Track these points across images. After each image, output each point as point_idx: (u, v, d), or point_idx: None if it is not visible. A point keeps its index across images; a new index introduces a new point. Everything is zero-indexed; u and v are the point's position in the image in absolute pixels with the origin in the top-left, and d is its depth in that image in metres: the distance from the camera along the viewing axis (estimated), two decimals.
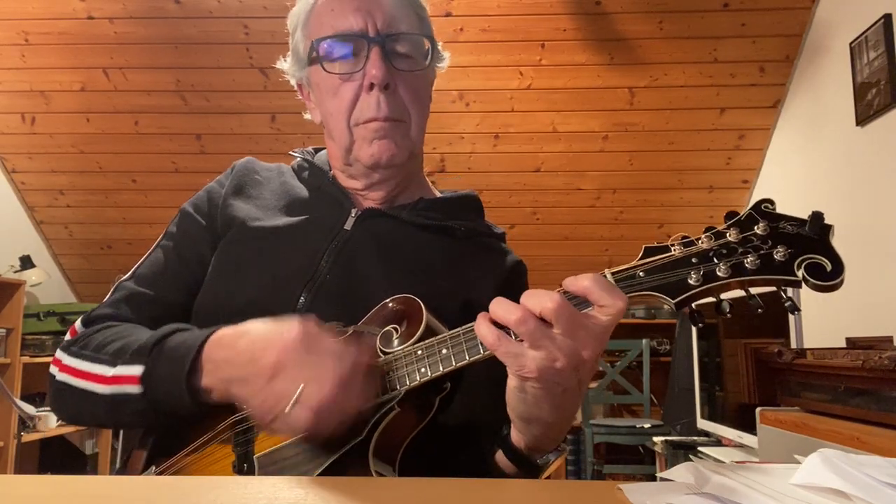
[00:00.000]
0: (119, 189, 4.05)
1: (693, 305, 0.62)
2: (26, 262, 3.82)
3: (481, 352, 0.63)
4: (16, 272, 3.76)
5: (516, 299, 0.60)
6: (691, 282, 0.60)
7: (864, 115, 2.78)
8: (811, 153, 3.25)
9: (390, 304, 0.75)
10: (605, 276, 0.61)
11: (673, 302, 0.60)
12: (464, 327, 0.65)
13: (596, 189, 3.93)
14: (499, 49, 3.41)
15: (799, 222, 0.60)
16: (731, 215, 0.62)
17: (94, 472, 3.94)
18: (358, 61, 0.86)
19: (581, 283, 0.59)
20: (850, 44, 2.88)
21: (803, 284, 0.58)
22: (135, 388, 0.74)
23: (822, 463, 0.51)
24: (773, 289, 0.60)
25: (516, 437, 0.70)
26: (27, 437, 3.36)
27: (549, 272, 4.14)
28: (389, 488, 0.61)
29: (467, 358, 0.64)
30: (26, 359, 3.52)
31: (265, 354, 0.66)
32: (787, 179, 3.50)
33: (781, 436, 1.61)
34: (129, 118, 3.73)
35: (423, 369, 0.66)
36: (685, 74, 3.45)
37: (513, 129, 3.71)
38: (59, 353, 0.84)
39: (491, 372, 0.65)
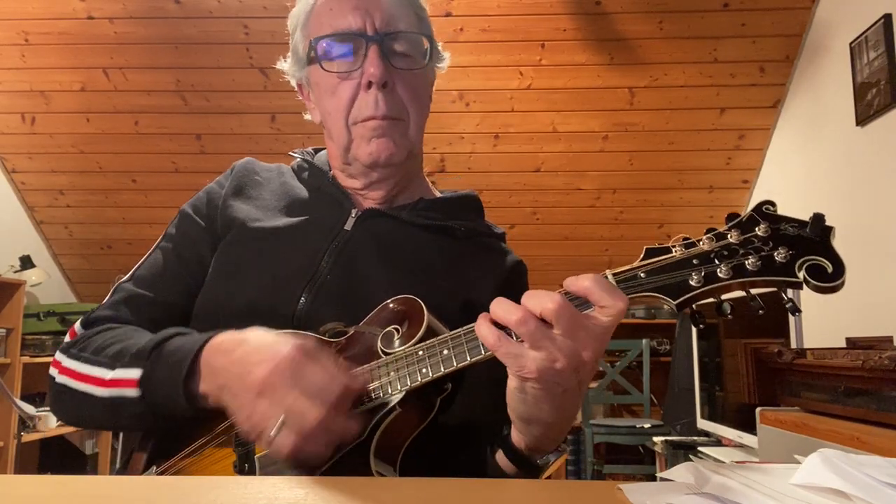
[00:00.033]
0: (119, 189, 4.05)
1: (694, 306, 0.62)
2: (26, 262, 3.82)
3: (482, 352, 0.63)
4: (16, 272, 3.76)
5: (516, 299, 0.60)
6: (692, 283, 0.60)
7: (864, 115, 2.78)
8: (811, 153, 3.25)
9: (391, 305, 0.75)
10: (606, 277, 0.61)
11: (674, 303, 0.60)
12: (465, 328, 0.65)
13: (596, 189, 3.93)
14: (499, 49, 3.41)
15: (800, 224, 0.60)
16: (732, 217, 0.62)
17: (94, 472, 3.94)
18: (356, 60, 0.87)
19: (582, 283, 0.59)
20: (850, 44, 2.88)
21: (804, 286, 0.58)
22: (133, 392, 0.74)
23: (822, 463, 0.51)
24: (774, 289, 0.60)
25: (516, 437, 0.70)
26: (27, 437, 3.36)
27: (549, 272, 4.14)
28: (389, 488, 0.61)
29: (468, 358, 0.64)
30: (26, 359, 3.52)
31: (256, 370, 0.65)
32: (787, 179, 3.50)
33: (781, 436, 1.61)
34: (129, 118, 3.73)
35: (424, 370, 0.66)
36: (685, 74, 3.45)
37: (513, 129, 3.71)
38: (58, 355, 0.84)
39: (491, 372, 0.65)
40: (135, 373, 0.74)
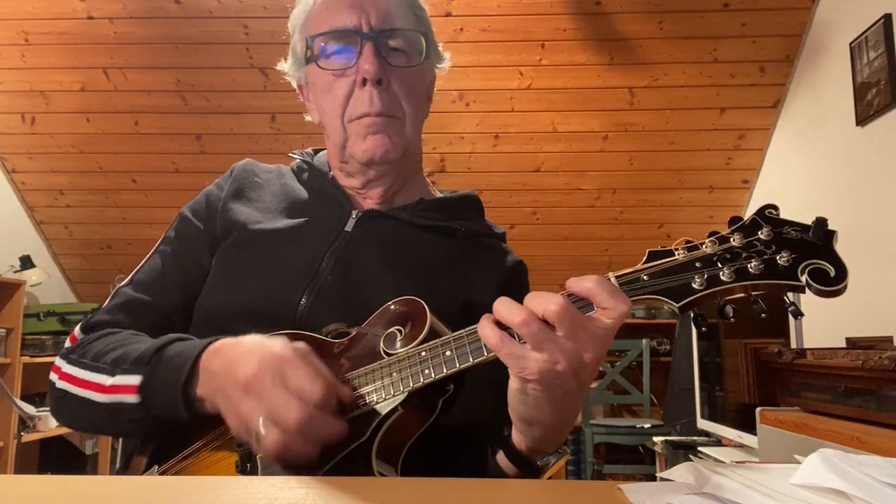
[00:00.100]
0: (119, 189, 4.05)
1: (696, 309, 0.62)
2: (26, 262, 3.82)
3: (485, 354, 0.63)
4: (16, 272, 3.76)
5: (517, 299, 0.60)
6: (695, 286, 0.60)
7: (864, 115, 2.78)
8: (811, 153, 3.25)
9: (394, 306, 0.75)
10: (609, 279, 0.61)
11: (677, 306, 0.60)
12: (467, 329, 0.65)
13: (596, 189, 3.93)
14: (499, 49, 3.41)
15: (803, 228, 0.60)
16: (734, 220, 0.62)
17: (94, 472, 3.94)
18: (351, 57, 0.87)
19: (585, 284, 0.59)
20: (850, 44, 2.88)
21: (807, 290, 0.58)
22: (132, 398, 0.74)
23: (822, 463, 0.51)
24: (776, 293, 0.61)
25: (517, 438, 0.70)
26: (27, 437, 3.36)
27: (549, 272, 4.14)
28: (389, 488, 0.61)
29: (471, 360, 0.64)
30: (26, 359, 3.52)
31: (243, 369, 0.65)
32: (787, 179, 3.50)
33: (781, 436, 1.61)
34: (129, 118, 3.73)
35: (426, 371, 0.66)
36: (685, 74, 3.45)
37: (513, 129, 3.71)
38: (58, 361, 0.84)
39: (493, 373, 0.65)
40: (135, 379, 0.74)
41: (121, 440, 3.93)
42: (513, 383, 0.62)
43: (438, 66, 0.98)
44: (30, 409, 2.50)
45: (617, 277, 0.61)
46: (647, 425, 3.59)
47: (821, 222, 0.59)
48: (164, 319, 0.88)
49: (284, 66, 0.98)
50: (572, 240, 4.17)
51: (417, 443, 0.72)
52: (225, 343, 0.72)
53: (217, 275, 0.89)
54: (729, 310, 0.61)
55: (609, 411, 4.52)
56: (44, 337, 3.69)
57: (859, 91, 2.82)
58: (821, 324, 2.62)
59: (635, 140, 3.71)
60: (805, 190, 3.29)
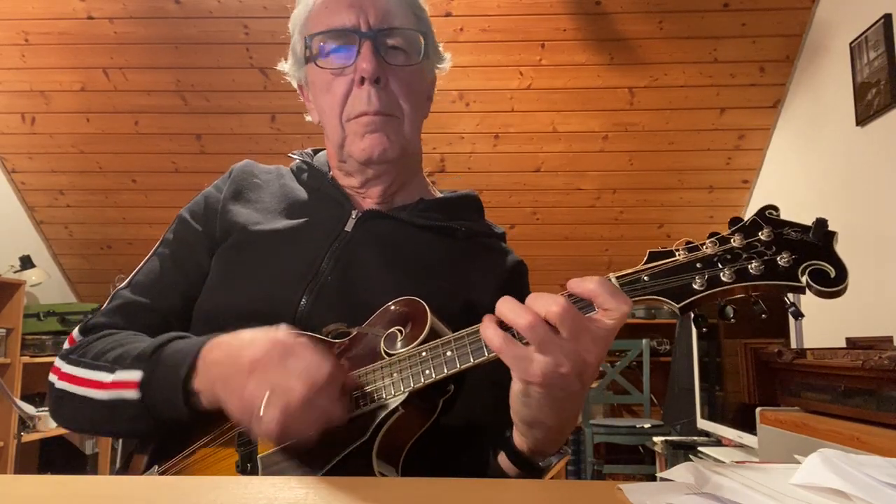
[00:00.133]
0: (119, 189, 4.05)
1: (697, 310, 0.62)
2: (26, 262, 3.81)
3: (485, 354, 0.63)
4: (16, 272, 3.76)
5: (518, 299, 0.60)
6: (696, 287, 0.60)
7: (864, 115, 2.78)
8: (811, 153, 3.25)
9: (395, 306, 0.75)
10: (609, 280, 0.61)
11: (678, 306, 0.60)
12: (468, 329, 0.65)
13: (596, 189, 3.93)
14: (499, 49, 3.41)
15: (803, 229, 0.60)
16: (735, 221, 0.62)
17: (94, 472, 3.94)
18: (350, 56, 0.87)
19: (586, 285, 0.59)
20: (850, 44, 2.88)
21: (807, 290, 0.58)
22: (133, 393, 0.74)
23: (822, 463, 0.51)
24: (776, 293, 0.61)
25: (518, 439, 0.70)
26: (27, 437, 3.36)
27: (549, 272, 4.14)
28: (389, 488, 0.61)
29: (471, 360, 0.64)
30: (26, 359, 3.52)
31: (247, 352, 0.67)
32: (787, 179, 3.50)
33: (781, 436, 1.61)
34: (129, 118, 3.73)
35: (427, 371, 0.66)
36: (685, 74, 3.45)
37: (513, 129, 3.71)
38: (57, 362, 0.84)
39: (493, 374, 0.65)
40: (136, 374, 0.74)
41: (121, 441, 3.93)
42: (515, 385, 0.62)
43: (439, 66, 0.98)
44: (30, 409, 2.50)
45: (618, 278, 0.61)
46: (647, 425, 3.59)
47: (821, 223, 0.59)
48: (163, 322, 0.88)
49: (285, 66, 0.98)
50: (572, 240, 4.17)
51: (418, 443, 0.72)
52: (225, 336, 0.72)
53: (217, 276, 0.89)
54: (729, 310, 0.61)
55: (609, 411, 4.52)
56: (44, 337, 3.69)
57: (859, 91, 2.82)
58: (821, 324, 2.62)
59: (635, 140, 3.71)
60: (805, 190, 3.29)
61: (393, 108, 0.88)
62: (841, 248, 0.59)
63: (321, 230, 0.90)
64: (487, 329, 0.60)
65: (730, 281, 0.59)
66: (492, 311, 0.61)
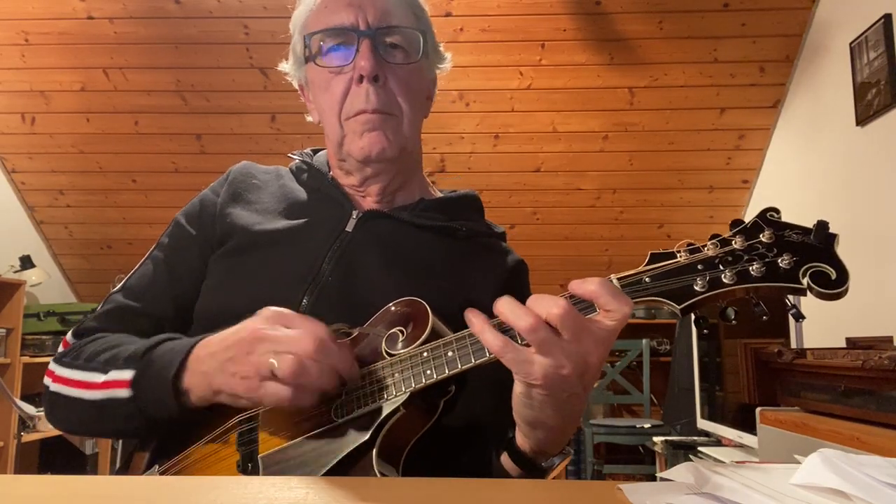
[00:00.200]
0: (119, 189, 4.05)
1: (698, 311, 0.62)
2: (26, 262, 3.81)
3: (487, 355, 0.63)
4: (16, 272, 3.76)
5: (518, 299, 0.60)
6: (697, 288, 0.60)
7: (864, 115, 2.78)
8: (811, 153, 3.25)
9: (396, 307, 0.75)
10: (611, 282, 0.61)
11: (679, 308, 0.60)
12: (469, 330, 0.65)
13: (596, 189, 3.93)
14: (499, 49, 3.41)
15: (804, 231, 0.60)
16: (736, 223, 0.62)
17: (94, 472, 3.94)
18: (349, 55, 0.87)
19: (588, 287, 0.59)
20: (850, 44, 2.88)
21: (808, 292, 0.58)
22: (124, 392, 0.74)
23: (822, 463, 0.51)
24: (777, 295, 0.61)
25: (521, 440, 0.70)
26: (27, 437, 3.36)
27: (549, 272, 4.15)
28: (389, 488, 0.61)
29: (472, 360, 0.64)
30: (26, 359, 3.52)
31: (241, 333, 0.67)
32: (787, 179, 3.50)
33: (781, 436, 1.61)
34: (129, 118, 3.73)
35: (428, 371, 0.66)
36: (685, 74, 3.45)
37: (513, 129, 3.71)
38: (51, 365, 0.85)
39: (495, 374, 0.65)
40: (127, 374, 0.75)
41: (121, 441, 3.93)
42: (517, 387, 0.62)
43: (439, 66, 0.98)
44: (30, 409, 2.50)
45: (619, 279, 0.61)
46: (647, 425, 3.59)
47: (822, 225, 0.59)
48: (154, 326, 0.88)
49: (285, 66, 0.98)
50: (572, 240, 4.17)
51: (419, 444, 0.72)
52: (211, 335, 0.73)
53: (217, 278, 0.89)
54: (730, 312, 0.61)
55: (609, 411, 4.52)
56: (44, 337, 3.69)
57: (859, 91, 2.82)
58: (821, 324, 2.62)
59: (635, 140, 3.71)
60: (805, 190, 3.29)
61: (392, 106, 0.88)
62: (841, 248, 0.59)
63: (321, 231, 0.90)
64: (486, 332, 0.60)
65: (731, 282, 0.59)
66: (492, 310, 0.61)
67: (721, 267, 0.60)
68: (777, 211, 0.62)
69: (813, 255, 0.59)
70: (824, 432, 1.42)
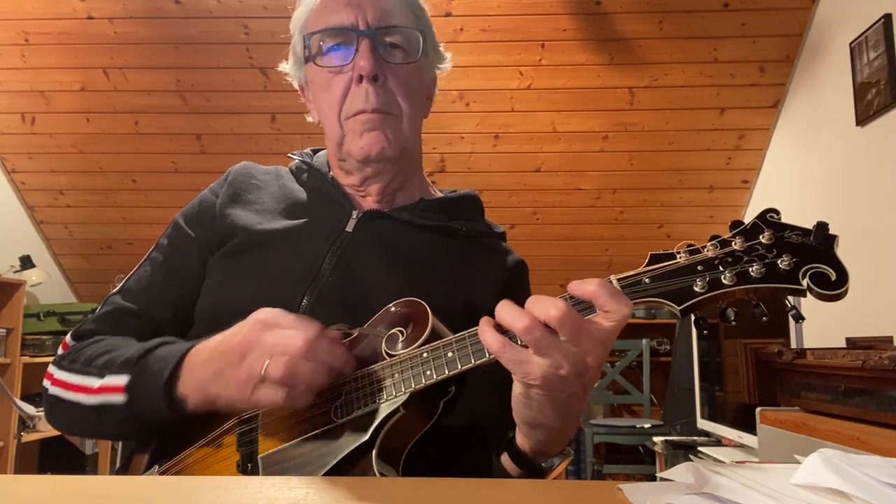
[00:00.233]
0: (119, 189, 4.05)
1: (698, 312, 0.62)
2: (26, 262, 3.81)
3: (486, 356, 0.63)
4: (16, 272, 3.76)
5: (518, 299, 0.60)
6: (697, 289, 0.60)
7: (864, 115, 2.78)
8: (811, 153, 3.25)
9: (396, 307, 0.75)
10: (611, 282, 0.61)
11: (678, 309, 0.60)
12: (469, 331, 0.65)
13: (596, 189, 3.93)
14: (499, 49, 3.41)
15: (804, 232, 0.60)
16: (736, 224, 0.62)
17: (94, 472, 3.94)
18: (348, 55, 0.87)
19: (587, 287, 0.59)
20: (850, 44, 2.88)
21: (808, 293, 0.58)
22: (119, 398, 0.75)
23: (822, 463, 0.51)
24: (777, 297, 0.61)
25: (521, 441, 0.70)
26: (27, 437, 3.36)
27: (549, 272, 4.14)
28: (389, 488, 0.61)
29: (472, 361, 0.64)
30: (26, 359, 3.52)
31: (233, 339, 0.68)
32: (787, 179, 3.50)
33: (781, 436, 1.61)
34: (129, 118, 3.73)
35: (428, 372, 0.66)
36: (685, 74, 3.45)
37: (513, 129, 3.71)
38: (50, 368, 0.85)
39: (495, 375, 0.65)
40: (122, 379, 0.75)
41: (121, 441, 3.93)
42: (516, 388, 0.63)
43: (439, 66, 0.98)
44: (30, 409, 2.50)
45: (619, 280, 0.61)
46: (647, 425, 3.59)
47: (822, 227, 0.59)
48: (153, 328, 0.89)
49: (286, 66, 0.98)
50: (572, 240, 4.17)
51: (419, 444, 0.72)
52: (203, 343, 0.73)
53: (217, 278, 0.89)
54: (730, 313, 0.61)
55: (609, 411, 4.52)
56: (44, 337, 3.69)
57: (859, 91, 2.82)
58: (821, 324, 2.62)
59: (635, 140, 3.71)
60: (805, 190, 3.29)
61: (391, 105, 0.88)
62: (841, 248, 0.59)
63: (322, 231, 0.90)
64: (486, 332, 0.60)
65: (731, 283, 0.59)
66: (492, 311, 0.61)
67: (721, 268, 0.60)
68: (777, 212, 0.62)
69: (812, 257, 0.59)
70: (824, 432, 1.42)
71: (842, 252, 0.59)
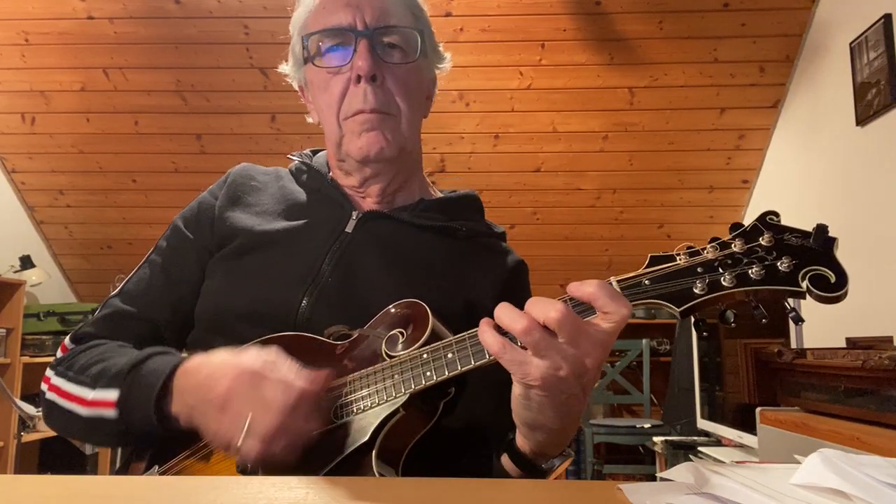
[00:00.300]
0: (119, 189, 4.05)
1: (697, 314, 0.62)
2: (26, 262, 3.81)
3: (486, 357, 0.63)
4: (16, 272, 3.76)
5: (518, 299, 0.60)
6: (696, 291, 0.60)
7: (864, 115, 2.78)
8: (811, 153, 3.25)
9: (396, 308, 0.75)
10: (610, 284, 0.61)
11: (678, 310, 0.60)
12: (469, 332, 0.65)
13: (596, 189, 3.93)
14: (499, 49, 3.41)
15: (803, 234, 0.60)
16: (735, 226, 0.62)
17: (94, 472, 3.94)
18: (346, 55, 0.87)
19: (586, 289, 0.59)
20: (850, 44, 2.88)
21: (807, 295, 0.58)
22: (111, 412, 0.76)
23: (822, 463, 0.51)
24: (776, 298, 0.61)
25: (521, 442, 0.70)
26: (27, 437, 3.36)
27: (549, 272, 4.14)
28: (389, 488, 0.61)
29: (472, 362, 0.64)
30: (26, 359, 3.52)
31: (215, 385, 0.67)
32: (787, 179, 3.50)
33: (781, 436, 1.61)
34: (129, 118, 3.73)
35: (428, 373, 0.66)
36: (685, 74, 3.45)
37: (513, 129, 3.71)
38: (48, 371, 0.86)
39: (495, 376, 0.65)
40: (112, 394, 0.76)
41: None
42: (516, 389, 0.63)
43: (439, 66, 0.98)
44: (30, 409, 2.50)
45: (619, 282, 0.61)
46: (647, 425, 3.59)
47: (821, 229, 0.59)
48: (151, 331, 0.89)
49: (286, 67, 0.98)
50: (572, 240, 4.17)
51: (419, 445, 0.72)
52: (194, 362, 0.73)
53: (217, 279, 0.89)
54: (730, 315, 0.61)
55: (609, 411, 4.52)
56: (44, 337, 3.69)
57: (859, 91, 2.82)
58: (821, 324, 2.62)
59: (635, 140, 3.71)
60: (805, 190, 3.29)
61: (390, 105, 0.88)
62: (841, 248, 0.59)
63: (321, 232, 0.90)
64: (485, 333, 0.60)
65: (730, 285, 0.59)
66: (492, 311, 0.61)
67: (720, 270, 0.60)
68: (776, 214, 0.62)
69: (812, 259, 0.59)
70: (824, 432, 1.42)
71: (841, 252, 0.59)
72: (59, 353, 0.88)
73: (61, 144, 3.85)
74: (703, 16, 3.25)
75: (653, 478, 1.39)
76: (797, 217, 0.63)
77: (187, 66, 3.52)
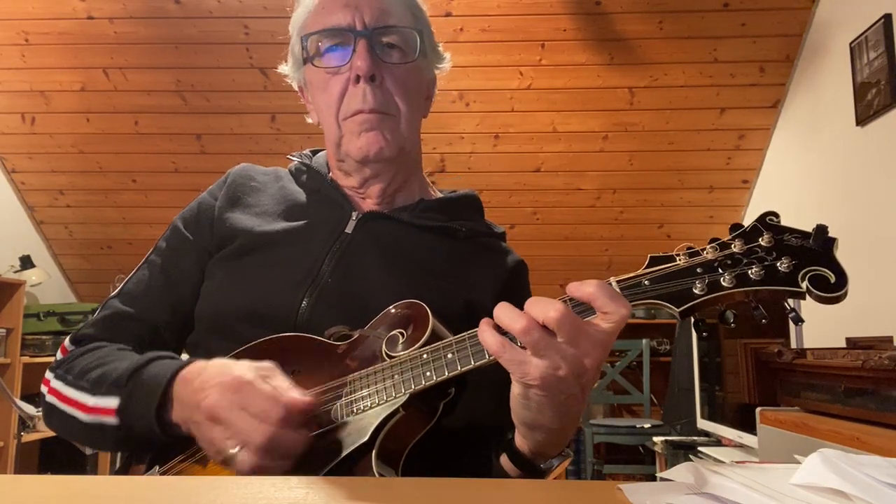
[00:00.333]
0: (119, 189, 4.05)
1: (697, 314, 0.62)
2: (26, 262, 3.81)
3: (486, 357, 0.63)
4: (16, 272, 3.76)
5: (518, 299, 0.60)
6: (696, 291, 0.60)
7: (864, 115, 2.78)
8: (811, 153, 3.25)
9: (396, 309, 0.75)
10: (610, 284, 0.61)
11: (678, 311, 0.60)
12: (469, 332, 0.65)
13: (596, 189, 3.93)
14: (499, 49, 3.41)
15: (803, 235, 0.60)
16: (735, 227, 0.62)
17: (94, 472, 3.94)
18: (346, 55, 0.87)
19: (585, 289, 0.59)
20: (850, 44, 2.88)
21: (807, 296, 0.58)
22: (112, 420, 0.76)
23: (822, 463, 0.51)
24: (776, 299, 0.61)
25: (520, 442, 0.70)
26: (27, 437, 3.36)
27: (549, 272, 4.14)
28: (389, 488, 0.61)
29: (472, 362, 0.64)
30: (26, 359, 3.52)
31: (207, 397, 0.67)
32: (787, 179, 3.50)
33: (781, 436, 1.61)
34: (129, 118, 3.73)
35: (428, 373, 0.66)
36: (685, 74, 3.45)
37: (513, 129, 3.71)
38: (48, 374, 0.86)
39: (495, 376, 0.65)
40: (113, 402, 0.76)
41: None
42: (515, 388, 0.63)
43: (438, 66, 0.98)
44: (30, 409, 2.50)
45: (618, 282, 0.61)
46: (647, 425, 3.59)
47: (821, 229, 0.59)
48: (151, 332, 0.89)
49: (285, 68, 0.98)
50: (572, 240, 4.17)
51: (419, 445, 0.72)
52: (191, 370, 0.73)
53: (217, 280, 0.89)
54: (730, 315, 0.61)
55: (609, 411, 4.52)
56: (44, 337, 3.69)
57: (859, 91, 2.82)
58: (821, 324, 2.62)
59: (635, 140, 3.71)
60: (805, 190, 3.29)
61: (389, 105, 0.88)
62: (840, 248, 0.59)
63: (321, 232, 0.90)
64: (485, 332, 0.61)
65: (730, 286, 0.59)
66: (492, 311, 0.61)
67: (720, 270, 0.60)
68: (776, 215, 0.62)
69: (812, 259, 0.59)
70: (824, 432, 1.42)
71: (841, 252, 0.59)
72: (58, 355, 0.88)
73: (61, 144, 3.85)
74: (703, 16, 3.25)
75: (653, 478, 1.39)
76: (797, 217, 0.63)
77: (187, 66, 3.52)
